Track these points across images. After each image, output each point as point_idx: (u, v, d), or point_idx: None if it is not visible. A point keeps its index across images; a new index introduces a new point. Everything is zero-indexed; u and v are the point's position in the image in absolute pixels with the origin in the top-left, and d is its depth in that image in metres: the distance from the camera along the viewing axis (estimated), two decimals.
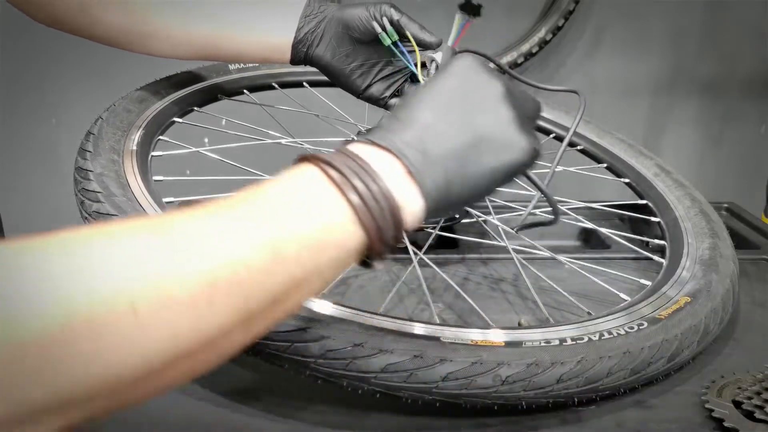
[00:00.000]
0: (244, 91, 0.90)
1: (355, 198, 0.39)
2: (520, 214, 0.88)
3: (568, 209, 0.87)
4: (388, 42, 0.69)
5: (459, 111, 0.44)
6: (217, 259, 0.34)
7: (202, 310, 0.34)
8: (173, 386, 0.36)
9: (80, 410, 0.31)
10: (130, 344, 0.31)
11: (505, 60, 1.52)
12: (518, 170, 0.46)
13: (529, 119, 0.47)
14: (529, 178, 0.51)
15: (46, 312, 0.29)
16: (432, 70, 0.71)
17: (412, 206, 0.42)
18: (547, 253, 0.78)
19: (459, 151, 0.43)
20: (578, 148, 0.98)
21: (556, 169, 0.59)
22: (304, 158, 0.41)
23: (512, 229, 0.70)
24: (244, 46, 0.73)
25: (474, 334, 0.57)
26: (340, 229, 0.39)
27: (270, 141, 0.83)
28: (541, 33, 1.53)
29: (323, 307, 0.56)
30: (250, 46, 0.73)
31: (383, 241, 0.40)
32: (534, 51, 1.53)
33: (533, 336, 0.58)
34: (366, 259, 0.42)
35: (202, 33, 0.71)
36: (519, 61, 1.53)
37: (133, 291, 0.32)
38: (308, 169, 0.40)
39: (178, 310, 0.33)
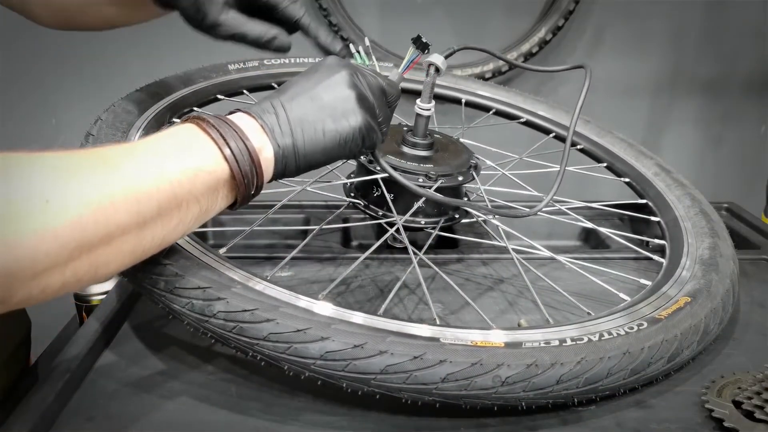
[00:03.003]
0: (244, 91, 0.90)
1: (218, 137, 0.52)
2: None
3: (568, 209, 0.87)
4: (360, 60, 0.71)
5: (312, 90, 0.58)
6: (123, 177, 0.47)
7: (109, 211, 0.45)
8: (79, 282, 0.46)
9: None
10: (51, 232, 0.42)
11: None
12: (354, 136, 0.58)
13: (371, 104, 0.59)
14: (376, 159, 0.66)
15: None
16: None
17: (265, 152, 0.55)
18: (547, 253, 0.78)
19: (305, 116, 0.56)
20: (578, 147, 0.98)
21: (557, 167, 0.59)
22: (187, 119, 0.55)
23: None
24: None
25: (474, 335, 0.57)
26: (210, 161, 0.52)
27: None
28: (541, 33, 1.53)
29: (323, 308, 0.57)
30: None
31: (243, 174, 0.53)
32: (534, 51, 1.53)
33: (533, 337, 0.58)
34: (235, 202, 0.55)
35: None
36: (519, 61, 1.53)
37: (57, 194, 0.43)
38: (188, 124, 0.54)
39: (91, 209, 0.44)
